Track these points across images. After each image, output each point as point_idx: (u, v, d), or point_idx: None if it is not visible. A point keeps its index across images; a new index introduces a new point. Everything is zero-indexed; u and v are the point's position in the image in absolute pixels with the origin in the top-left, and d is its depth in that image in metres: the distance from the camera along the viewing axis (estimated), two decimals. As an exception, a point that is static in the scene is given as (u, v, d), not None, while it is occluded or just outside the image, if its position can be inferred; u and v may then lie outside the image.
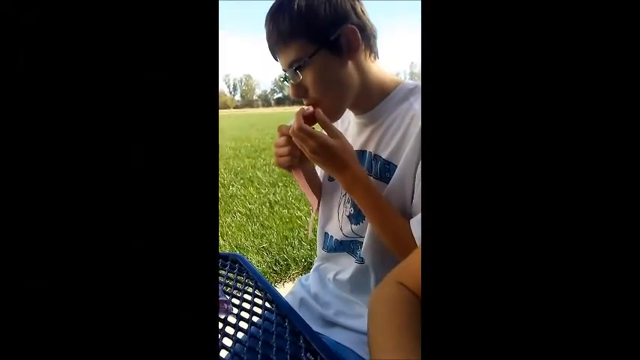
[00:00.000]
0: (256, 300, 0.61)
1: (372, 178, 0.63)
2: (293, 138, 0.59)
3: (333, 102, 0.62)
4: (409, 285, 0.41)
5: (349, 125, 0.73)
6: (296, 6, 0.56)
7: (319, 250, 0.78)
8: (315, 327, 0.65)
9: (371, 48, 0.62)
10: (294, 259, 2.10)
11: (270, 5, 0.60)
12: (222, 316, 0.55)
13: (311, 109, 0.60)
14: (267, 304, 0.60)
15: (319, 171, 0.79)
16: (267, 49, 0.62)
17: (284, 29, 0.57)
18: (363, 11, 0.60)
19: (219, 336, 0.52)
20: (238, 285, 0.67)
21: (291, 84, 0.61)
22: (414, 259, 0.43)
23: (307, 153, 0.59)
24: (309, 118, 0.59)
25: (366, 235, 0.64)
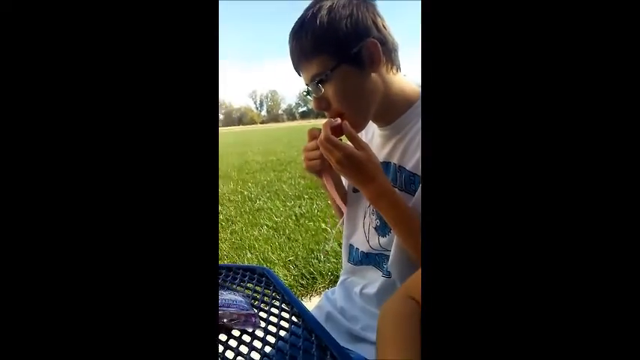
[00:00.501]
0: (283, 314, 0.61)
1: (397, 189, 0.63)
2: (320, 148, 0.60)
3: (355, 114, 0.62)
4: (419, 299, 0.41)
5: (373, 137, 0.73)
6: (318, 22, 0.57)
7: (345, 263, 0.77)
8: (343, 342, 0.64)
9: (392, 61, 0.63)
10: (320, 273, 2.09)
11: (293, 24, 0.62)
12: (249, 330, 0.56)
13: (338, 120, 0.61)
14: (294, 319, 0.60)
15: (344, 182, 0.79)
16: (291, 65, 0.64)
17: (307, 45, 0.59)
18: (384, 26, 0.61)
19: (248, 350, 0.52)
20: (265, 299, 0.68)
21: (314, 97, 0.63)
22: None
23: (333, 164, 0.60)
24: (337, 130, 0.60)
25: (392, 249, 0.63)
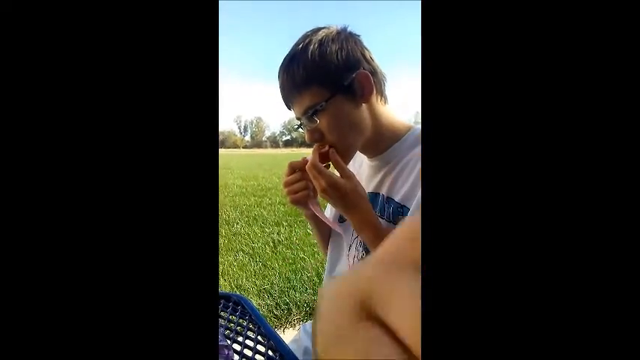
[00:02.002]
0: (259, 347, 0.57)
1: (383, 220, 0.62)
2: (308, 173, 0.59)
3: (347, 145, 0.63)
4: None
5: (362, 167, 0.73)
6: (310, 54, 0.58)
7: None
8: None
9: (382, 92, 0.64)
10: (296, 304, 2.02)
11: (283, 58, 0.62)
12: (221, 364, 0.51)
13: (327, 147, 0.61)
14: (270, 353, 0.56)
15: (329, 213, 0.77)
16: (280, 97, 0.64)
17: (298, 78, 0.59)
18: (372, 58, 0.62)
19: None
20: (239, 329, 0.63)
21: (307, 130, 0.62)
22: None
23: (318, 190, 0.59)
24: (324, 156, 0.61)
25: None
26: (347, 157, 0.64)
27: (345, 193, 0.58)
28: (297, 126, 0.64)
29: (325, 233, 0.79)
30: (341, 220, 0.73)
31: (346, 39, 0.60)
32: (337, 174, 0.60)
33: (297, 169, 0.64)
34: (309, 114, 0.59)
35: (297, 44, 0.60)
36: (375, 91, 0.61)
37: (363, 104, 0.61)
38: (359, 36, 0.63)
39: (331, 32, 0.60)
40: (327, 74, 0.58)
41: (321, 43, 0.59)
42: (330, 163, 0.61)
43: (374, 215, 0.60)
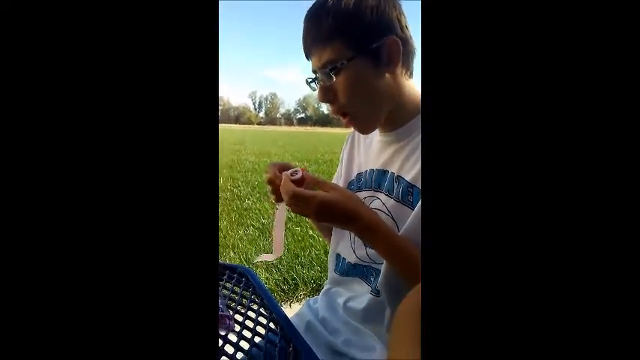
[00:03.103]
0: (260, 319, 0.57)
1: (393, 200, 0.60)
2: (290, 206, 0.55)
3: (362, 114, 0.59)
4: None
5: (372, 141, 0.69)
6: (343, 5, 0.53)
7: (330, 273, 0.73)
8: (321, 355, 0.60)
9: (408, 65, 0.59)
10: (303, 279, 2.04)
11: (312, 4, 0.58)
12: (222, 333, 0.51)
13: (299, 172, 0.56)
14: (271, 325, 0.56)
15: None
16: (301, 43, 0.60)
17: (325, 28, 0.54)
18: (407, 26, 0.58)
19: (218, 354, 0.48)
20: (243, 300, 0.63)
21: (321, 86, 0.59)
22: None
23: (310, 217, 0.55)
24: (299, 182, 0.55)
25: (382, 268, 0.58)
26: (364, 128, 0.61)
27: (336, 209, 0.52)
28: (311, 79, 0.60)
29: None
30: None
31: None
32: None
33: (271, 174, 0.59)
34: (327, 69, 0.55)
35: None
36: (401, 62, 0.57)
37: (387, 74, 0.57)
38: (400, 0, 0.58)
39: None
40: (355, 32, 0.53)
41: None
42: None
43: (374, 219, 0.55)
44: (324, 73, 0.56)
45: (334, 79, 0.56)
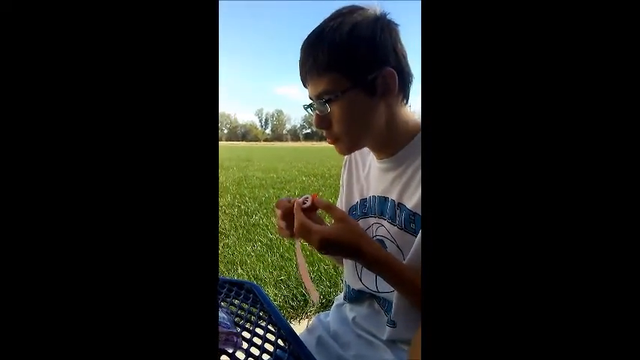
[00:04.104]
0: (268, 336, 0.56)
1: (396, 228, 0.59)
2: (297, 234, 0.56)
3: (352, 138, 0.60)
4: None
5: (370, 169, 0.69)
6: (338, 38, 0.54)
7: (342, 296, 0.73)
8: None
9: (404, 92, 0.59)
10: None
11: (309, 34, 0.58)
12: (230, 350, 0.50)
13: (309, 200, 0.57)
14: (280, 342, 0.55)
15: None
16: (298, 71, 0.60)
17: (321, 60, 0.55)
18: (403, 54, 0.57)
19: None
20: (251, 317, 0.62)
21: (316, 114, 0.59)
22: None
23: (315, 248, 0.55)
24: (311, 209, 0.57)
25: (394, 298, 0.59)
26: (348, 151, 0.62)
27: (341, 242, 0.53)
28: (307, 105, 0.61)
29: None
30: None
31: (382, 28, 0.55)
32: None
33: (282, 208, 0.60)
34: (323, 99, 0.56)
35: (327, 21, 0.56)
36: (397, 92, 0.57)
37: (382, 103, 0.57)
38: (398, 26, 0.57)
39: (367, 17, 0.55)
40: (351, 64, 0.54)
41: (353, 27, 0.54)
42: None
43: (378, 251, 0.55)
44: (321, 103, 0.57)
45: (329, 110, 0.57)
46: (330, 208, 0.56)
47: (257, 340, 0.54)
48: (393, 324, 0.59)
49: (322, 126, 0.59)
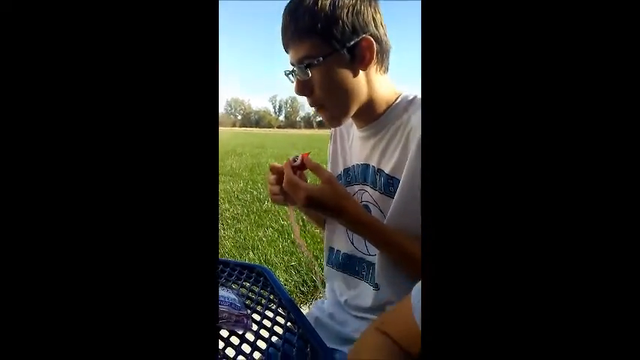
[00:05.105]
0: (278, 319, 0.57)
1: (378, 192, 0.62)
2: (285, 189, 0.59)
3: (336, 107, 0.61)
4: (392, 335, 0.40)
5: (353, 139, 0.71)
6: (320, 3, 0.55)
7: (325, 267, 0.76)
8: (332, 344, 0.62)
9: (382, 62, 0.61)
10: (323, 281, 2.03)
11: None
12: (239, 332, 0.51)
13: (299, 158, 0.60)
14: (289, 325, 0.55)
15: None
16: (280, 37, 0.61)
17: (302, 24, 0.56)
18: (382, 24, 0.59)
19: (235, 353, 0.47)
20: (261, 300, 0.63)
21: (297, 80, 0.60)
22: (399, 309, 0.42)
23: (299, 204, 0.59)
24: (300, 167, 0.60)
25: (377, 260, 0.62)
26: (336, 121, 0.63)
27: (325, 201, 0.56)
28: (288, 72, 0.61)
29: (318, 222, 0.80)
30: None
31: None
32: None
33: (276, 172, 0.64)
34: (303, 65, 0.57)
35: None
36: (375, 60, 0.58)
37: (361, 70, 0.58)
38: None
39: None
40: (332, 30, 0.55)
41: None
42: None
43: (361, 213, 0.58)
44: (301, 69, 0.58)
45: (309, 75, 0.58)
46: (319, 170, 0.59)
47: (267, 323, 0.55)
48: (376, 286, 0.62)
49: (304, 92, 0.61)
